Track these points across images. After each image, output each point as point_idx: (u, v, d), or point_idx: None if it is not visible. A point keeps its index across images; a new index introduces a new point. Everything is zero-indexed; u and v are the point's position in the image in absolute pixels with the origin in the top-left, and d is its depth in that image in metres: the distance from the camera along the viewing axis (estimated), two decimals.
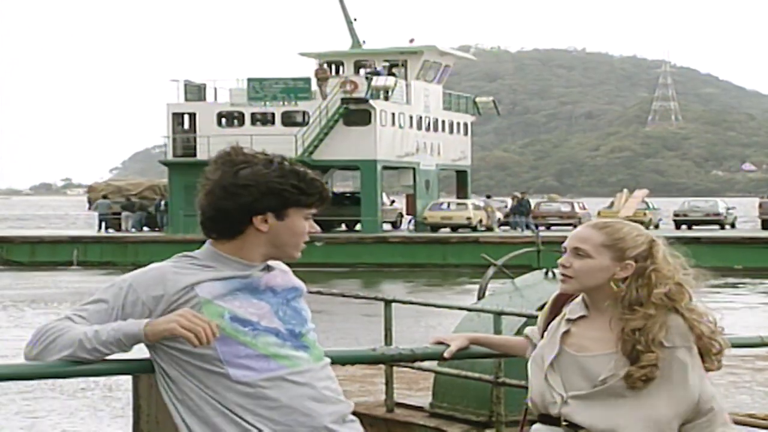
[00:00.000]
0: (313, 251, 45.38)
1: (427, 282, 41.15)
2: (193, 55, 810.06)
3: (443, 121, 60.05)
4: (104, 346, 3.32)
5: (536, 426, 3.70)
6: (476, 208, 53.50)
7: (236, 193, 3.45)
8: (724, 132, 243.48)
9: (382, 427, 10.29)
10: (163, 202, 55.74)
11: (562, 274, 3.68)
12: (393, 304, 10.01)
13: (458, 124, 61.91)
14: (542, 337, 3.77)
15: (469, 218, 52.06)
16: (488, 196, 58.19)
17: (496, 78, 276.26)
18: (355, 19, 58.27)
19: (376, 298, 10.47)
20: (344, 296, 10.70)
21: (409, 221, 56.31)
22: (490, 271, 10.75)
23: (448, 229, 52.43)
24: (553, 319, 3.77)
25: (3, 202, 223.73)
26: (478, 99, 66.23)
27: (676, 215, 56.30)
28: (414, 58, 56.74)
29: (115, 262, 46.17)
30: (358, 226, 53.54)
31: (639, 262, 3.62)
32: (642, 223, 53.55)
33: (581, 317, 3.68)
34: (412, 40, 58.16)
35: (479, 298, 10.56)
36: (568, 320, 3.68)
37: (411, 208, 56.17)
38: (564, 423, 3.60)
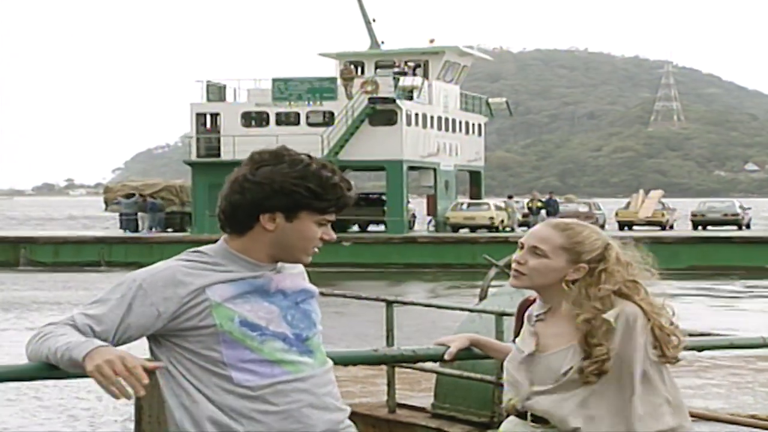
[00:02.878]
0: (341, 251, 45.51)
1: (455, 283, 41.13)
2: (202, 56, 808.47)
3: (460, 122, 60.21)
4: (62, 364, 3.30)
5: (510, 417, 3.78)
6: (498, 208, 53.71)
7: (248, 188, 3.43)
8: (727, 132, 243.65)
9: (383, 427, 10.29)
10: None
11: (515, 270, 3.73)
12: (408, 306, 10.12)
13: (473, 124, 62.14)
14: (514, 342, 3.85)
15: (491, 218, 52.23)
16: (510, 197, 58.37)
17: (498, 78, 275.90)
18: (374, 20, 58.35)
19: (377, 299, 10.44)
20: (345, 296, 10.71)
21: (429, 221, 56.35)
22: (492, 271, 10.66)
23: (466, 230, 52.51)
24: (521, 325, 3.85)
25: (5, 202, 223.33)
26: (491, 100, 66.41)
27: (694, 215, 56.30)
28: (435, 59, 56.82)
29: (141, 262, 45.71)
30: (370, 227, 53.61)
31: (591, 264, 3.68)
32: (660, 223, 53.50)
33: (540, 318, 3.75)
34: (432, 41, 58.23)
35: (481, 299, 10.47)
36: (530, 323, 3.77)
37: (431, 209, 56.20)
38: (530, 417, 3.68)
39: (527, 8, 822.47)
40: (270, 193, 3.42)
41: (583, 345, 3.60)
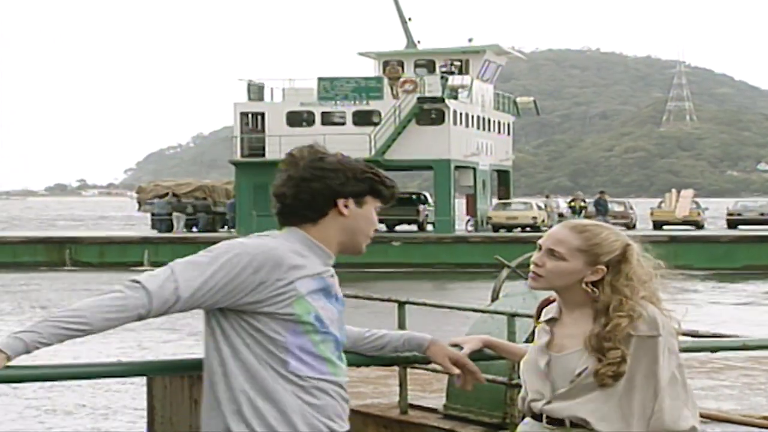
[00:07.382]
0: (390, 251, 45.68)
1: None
2: (216, 56, 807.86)
3: (493, 121, 60.33)
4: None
5: (526, 420, 3.79)
6: (539, 208, 53.88)
7: (325, 175, 3.57)
8: (739, 132, 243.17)
9: (395, 428, 10.24)
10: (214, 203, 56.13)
11: (533, 272, 3.74)
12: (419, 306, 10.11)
13: (504, 123, 62.30)
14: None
15: (534, 218, 52.25)
16: (548, 196, 58.59)
17: (509, 78, 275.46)
18: (410, 19, 58.47)
19: (389, 300, 10.40)
20: (357, 297, 10.54)
21: (468, 221, 56.44)
22: (504, 272, 10.52)
23: (504, 230, 52.57)
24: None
25: (20, 203, 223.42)
26: (518, 99, 66.50)
27: (729, 214, 56.38)
28: (476, 58, 56.98)
29: None
30: (398, 227, 53.67)
31: (611, 266, 3.67)
32: (695, 222, 53.30)
33: (556, 318, 3.76)
34: (471, 40, 58.46)
35: (493, 300, 10.39)
36: (546, 322, 3.78)
37: (471, 209, 56.21)
38: (546, 420, 3.69)
39: (539, 8, 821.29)
40: (345, 178, 3.58)
41: (596, 347, 3.61)
